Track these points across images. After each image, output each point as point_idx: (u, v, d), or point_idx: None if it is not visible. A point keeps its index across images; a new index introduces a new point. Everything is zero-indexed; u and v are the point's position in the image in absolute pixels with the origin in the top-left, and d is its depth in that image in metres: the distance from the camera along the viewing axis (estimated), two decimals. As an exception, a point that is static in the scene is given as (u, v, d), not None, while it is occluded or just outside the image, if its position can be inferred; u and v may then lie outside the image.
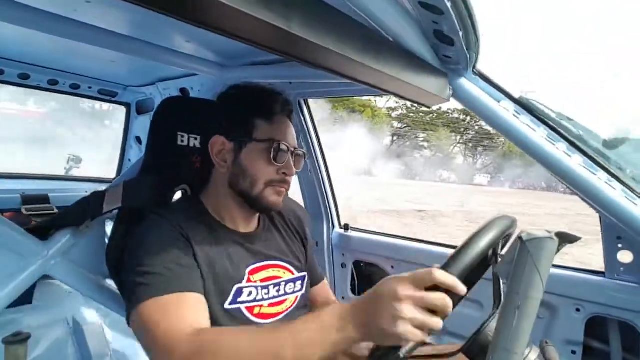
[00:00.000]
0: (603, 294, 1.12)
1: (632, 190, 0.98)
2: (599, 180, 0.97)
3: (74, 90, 1.96)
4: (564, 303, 1.18)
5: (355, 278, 1.74)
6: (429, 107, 1.09)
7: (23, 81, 1.76)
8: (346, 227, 1.80)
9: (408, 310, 0.56)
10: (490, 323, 0.66)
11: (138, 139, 2.25)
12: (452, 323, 1.32)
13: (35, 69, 1.73)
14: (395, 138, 40.73)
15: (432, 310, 0.57)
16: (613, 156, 1.05)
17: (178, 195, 1.11)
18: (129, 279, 0.80)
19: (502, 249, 0.71)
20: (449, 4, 0.69)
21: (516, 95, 1.04)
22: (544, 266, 0.56)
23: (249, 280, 0.90)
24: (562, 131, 1.02)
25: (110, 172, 2.44)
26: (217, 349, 0.66)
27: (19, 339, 1.20)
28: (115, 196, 1.04)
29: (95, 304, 1.79)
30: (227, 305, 0.86)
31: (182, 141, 1.09)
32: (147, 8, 0.44)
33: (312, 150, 1.71)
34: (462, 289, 0.58)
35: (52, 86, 1.86)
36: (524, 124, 1.00)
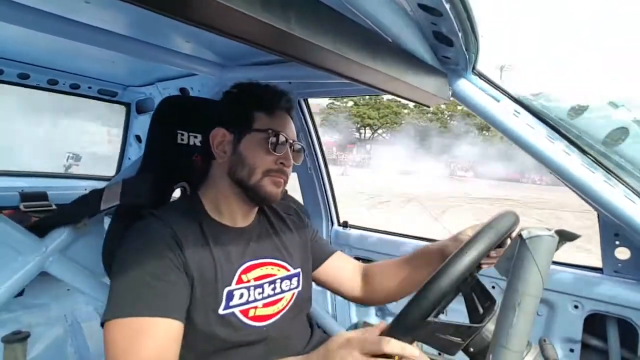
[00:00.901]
0: (601, 291, 1.13)
1: (630, 188, 0.99)
2: (597, 179, 0.97)
3: (74, 90, 1.96)
4: (562, 300, 1.18)
5: None
6: (428, 107, 1.09)
7: (23, 81, 1.76)
8: (345, 225, 1.81)
9: None
10: (488, 321, 0.66)
11: (138, 138, 2.25)
12: (451, 320, 1.33)
13: (34, 68, 1.73)
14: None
15: None
16: (612, 154, 1.05)
17: (177, 193, 1.12)
18: (111, 287, 0.79)
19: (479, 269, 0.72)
20: (447, 6, 0.70)
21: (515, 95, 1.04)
22: (543, 264, 0.56)
23: (239, 281, 0.89)
24: (561, 130, 1.02)
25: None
26: None
27: (18, 337, 1.21)
28: (114, 194, 1.04)
29: (94, 302, 1.79)
30: (221, 311, 0.85)
31: (182, 140, 1.09)
32: (146, 8, 0.44)
33: (312, 149, 1.72)
34: (414, 354, 0.59)
35: (51, 86, 1.86)
36: (523, 123, 1.00)
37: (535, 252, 0.56)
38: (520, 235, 0.59)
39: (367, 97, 32.01)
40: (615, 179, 0.98)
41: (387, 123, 40.33)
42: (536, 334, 1.21)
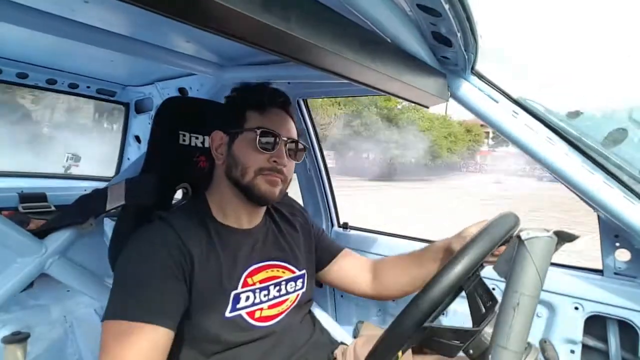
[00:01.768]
0: (601, 293, 1.13)
1: (630, 190, 0.99)
2: (597, 180, 0.97)
3: (73, 90, 1.96)
4: (563, 302, 1.18)
5: None
6: (427, 107, 1.09)
7: (21, 80, 1.76)
8: (345, 226, 1.80)
9: None
10: (488, 323, 0.66)
11: (137, 138, 2.25)
12: (450, 320, 1.33)
13: (33, 68, 1.73)
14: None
15: None
16: (612, 156, 1.05)
17: (179, 193, 1.12)
18: (112, 288, 0.81)
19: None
20: (446, 6, 0.69)
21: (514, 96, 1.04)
22: (542, 264, 0.56)
23: (245, 284, 0.90)
24: (560, 131, 1.02)
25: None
26: None
27: (18, 338, 1.21)
28: (118, 194, 1.05)
29: (93, 303, 1.79)
30: (227, 314, 0.86)
31: (184, 140, 1.10)
32: (145, 9, 0.44)
33: (311, 149, 1.71)
34: None
35: (50, 85, 1.86)
36: (523, 124, 1.00)
37: (534, 253, 0.56)
38: (518, 237, 0.59)
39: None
40: (615, 180, 0.98)
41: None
42: (537, 335, 1.21)
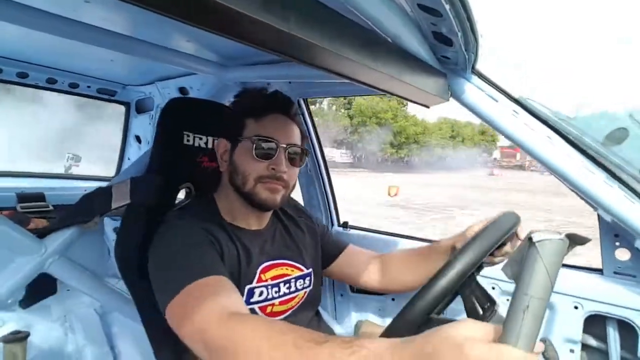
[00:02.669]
0: (601, 292, 1.13)
1: (631, 189, 0.99)
2: (597, 179, 0.97)
3: (73, 89, 1.95)
4: (562, 301, 1.18)
5: None
6: (427, 107, 1.09)
7: (21, 80, 1.76)
8: (345, 225, 1.80)
9: None
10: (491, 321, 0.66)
11: (137, 138, 2.25)
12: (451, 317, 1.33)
13: (33, 67, 1.72)
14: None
15: None
16: (612, 155, 1.05)
17: (181, 193, 1.13)
18: (156, 280, 0.82)
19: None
20: (447, 6, 0.70)
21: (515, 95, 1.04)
22: (553, 268, 0.55)
23: (259, 280, 0.93)
24: (560, 130, 1.02)
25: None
26: (244, 340, 0.62)
27: (18, 337, 1.21)
28: (123, 192, 1.06)
29: (94, 302, 1.79)
30: None
31: (188, 141, 1.11)
32: (146, 8, 0.44)
33: (312, 149, 1.71)
34: None
35: (50, 85, 1.86)
36: (523, 124, 1.00)
37: (545, 256, 0.55)
38: (529, 239, 0.58)
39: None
40: (615, 179, 0.98)
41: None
42: (536, 334, 1.21)
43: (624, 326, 1.10)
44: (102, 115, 2.31)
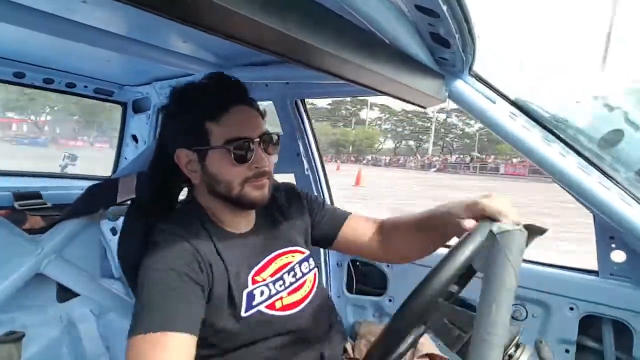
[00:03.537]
0: (596, 293, 1.13)
1: (626, 191, 0.99)
2: (593, 181, 0.98)
3: (70, 89, 1.94)
4: (558, 302, 1.19)
5: (353, 276, 1.75)
6: (424, 108, 1.10)
7: (18, 80, 1.75)
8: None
9: None
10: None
11: (134, 138, 2.25)
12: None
13: (30, 67, 1.72)
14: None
15: None
16: (608, 157, 1.06)
17: (184, 192, 1.13)
18: (135, 305, 0.80)
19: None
20: (444, 7, 0.70)
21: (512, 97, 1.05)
22: (515, 257, 0.58)
23: (254, 282, 0.90)
24: (557, 132, 1.03)
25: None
26: None
27: (13, 337, 1.20)
28: (129, 186, 1.05)
29: (90, 302, 1.78)
30: (243, 314, 0.86)
31: None
32: (142, 9, 0.44)
33: (309, 150, 1.71)
34: None
35: (47, 85, 1.85)
36: (520, 125, 1.01)
37: (506, 247, 0.58)
38: (490, 231, 0.61)
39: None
40: (611, 181, 0.99)
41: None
42: (532, 335, 1.21)
43: (619, 327, 1.11)
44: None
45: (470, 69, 1.01)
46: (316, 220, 1.10)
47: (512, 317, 1.24)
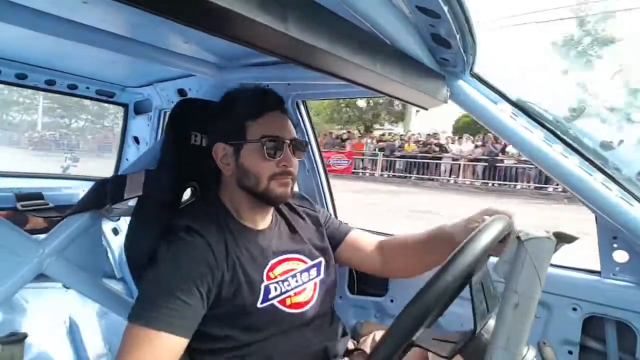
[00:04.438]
0: (599, 294, 1.13)
1: (628, 191, 0.99)
2: (595, 181, 0.97)
3: (72, 91, 1.95)
4: (561, 302, 1.18)
5: (355, 277, 1.74)
6: (426, 109, 1.09)
7: (20, 81, 1.76)
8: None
9: None
10: (486, 323, 0.66)
11: (135, 139, 2.25)
12: (448, 322, 1.33)
13: (32, 68, 1.72)
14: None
15: None
16: (610, 157, 1.05)
17: (187, 192, 1.14)
18: (139, 291, 0.88)
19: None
20: (445, 8, 0.70)
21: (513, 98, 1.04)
22: (541, 265, 0.56)
23: (269, 278, 0.96)
24: (558, 132, 1.02)
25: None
26: None
27: (15, 339, 1.20)
28: (137, 183, 1.08)
29: (92, 303, 1.78)
30: (259, 305, 0.92)
31: (195, 141, 1.13)
32: (144, 9, 0.44)
33: (310, 151, 1.71)
34: None
35: (49, 86, 1.86)
36: (521, 126, 1.00)
37: (533, 254, 0.56)
38: (518, 237, 0.59)
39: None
40: (613, 181, 0.98)
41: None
42: (535, 336, 1.20)
43: (622, 327, 1.11)
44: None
45: (471, 69, 1.01)
46: (325, 229, 1.17)
47: None
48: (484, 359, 0.57)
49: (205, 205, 1.03)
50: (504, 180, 12.66)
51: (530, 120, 1.02)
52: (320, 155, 1.76)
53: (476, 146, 13.60)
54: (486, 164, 12.99)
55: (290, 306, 0.97)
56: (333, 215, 1.22)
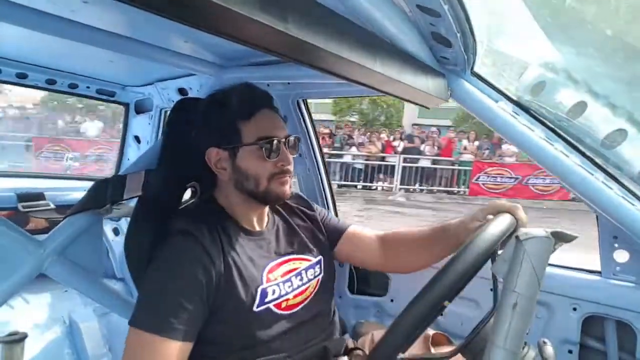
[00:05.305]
0: (599, 293, 1.13)
1: (629, 190, 0.99)
2: (596, 180, 0.97)
3: (72, 90, 1.95)
4: (561, 302, 1.18)
5: (355, 277, 1.74)
6: (427, 108, 1.09)
7: (21, 80, 1.76)
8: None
9: None
10: (489, 322, 0.66)
11: (136, 138, 2.25)
12: (448, 322, 1.33)
13: (33, 68, 1.72)
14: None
15: None
16: (611, 156, 1.05)
17: (187, 193, 1.14)
18: (140, 295, 0.88)
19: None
20: (445, 7, 0.70)
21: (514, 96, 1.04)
22: (540, 265, 0.56)
23: (268, 280, 0.95)
24: (559, 131, 1.02)
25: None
26: None
27: (16, 338, 1.21)
28: (137, 183, 1.08)
29: (92, 303, 1.79)
30: (255, 308, 0.90)
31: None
32: (144, 9, 0.44)
33: (311, 150, 1.71)
34: None
35: (50, 85, 1.86)
36: (522, 124, 1.00)
37: (531, 253, 0.56)
38: (516, 237, 0.59)
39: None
40: (614, 181, 0.98)
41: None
42: (535, 335, 1.21)
43: (622, 327, 1.10)
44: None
45: (472, 68, 1.01)
46: (323, 226, 1.16)
47: None
48: (484, 358, 0.57)
49: (201, 207, 1.02)
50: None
51: (531, 119, 1.02)
52: (322, 156, 1.76)
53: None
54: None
55: (286, 308, 0.96)
56: (332, 213, 1.21)
